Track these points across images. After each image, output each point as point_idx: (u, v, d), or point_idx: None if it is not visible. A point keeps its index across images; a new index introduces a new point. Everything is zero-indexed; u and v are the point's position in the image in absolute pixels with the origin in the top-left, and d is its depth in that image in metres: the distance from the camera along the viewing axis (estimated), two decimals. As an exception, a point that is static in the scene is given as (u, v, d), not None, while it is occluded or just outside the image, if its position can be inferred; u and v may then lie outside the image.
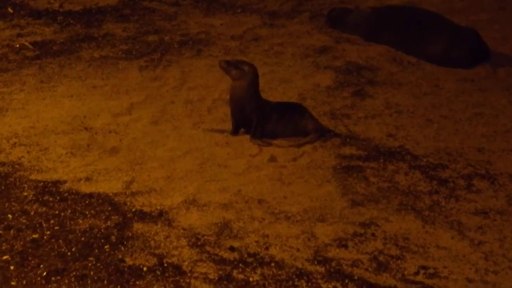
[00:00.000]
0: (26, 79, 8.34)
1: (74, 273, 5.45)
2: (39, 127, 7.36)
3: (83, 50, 9.16)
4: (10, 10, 10.27)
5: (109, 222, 6.02)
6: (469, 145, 7.34)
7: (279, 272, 5.54)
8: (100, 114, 7.64)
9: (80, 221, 6.02)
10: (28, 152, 6.95)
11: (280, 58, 9.04)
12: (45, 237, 5.81)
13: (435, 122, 7.75)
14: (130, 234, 5.88)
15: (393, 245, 5.89)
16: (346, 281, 5.49)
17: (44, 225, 5.96)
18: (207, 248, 5.76)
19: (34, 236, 5.83)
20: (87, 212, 6.13)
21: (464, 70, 8.87)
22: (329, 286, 5.44)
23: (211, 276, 5.47)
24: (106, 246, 5.73)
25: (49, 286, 5.35)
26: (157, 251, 5.70)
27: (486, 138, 7.47)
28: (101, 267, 5.52)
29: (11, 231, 5.87)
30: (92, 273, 5.46)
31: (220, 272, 5.51)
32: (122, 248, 5.72)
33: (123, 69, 8.66)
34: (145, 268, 5.52)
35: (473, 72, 8.85)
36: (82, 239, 5.81)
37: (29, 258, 5.59)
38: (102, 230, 5.91)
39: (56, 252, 5.66)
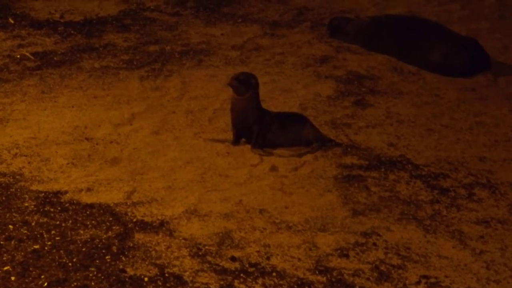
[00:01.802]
0: (27, 90, 8.35)
1: (75, 283, 5.44)
2: (40, 138, 7.36)
3: (84, 60, 9.16)
4: (11, 21, 10.29)
5: (110, 232, 6.01)
6: (470, 154, 7.34)
7: (281, 282, 5.54)
8: (101, 124, 7.64)
9: (81, 232, 6.02)
10: (29, 162, 6.96)
11: (281, 68, 9.05)
12: (46, 248, 5.81)
13: (436, 131, 7.75)
14: (131, 244, 5.87)
15: (394, 255, 5.88)
16: (348, 291, 5.50)
17: (45, 235, 5.96)
18: (208, 258, 5.76)
19: (35, 246, 5.82)
20: (88, 223, 6.13)
21: (464, 79, 8.87)
22: (331, 296, 5.45)
23: (212, 286, 5.46)
24: (107, 257, 5.73)
25: (50, 296, 5.36)
26: (158, 261, 5.70)
27: (487, 147, 7.47)
28: (102, 277, 5.51)
29: (12, 242, 5.87)
30: (93, 283, 5.45)
31: (222, 282, 5.51)
32: (123, 258, 5.72)
33: (124, 79, 8.67)
34: (146, 279, 5.51)
35: (474, 81, 8.85)
36: (83, 249, 5.80)
37: (30, 269, 5.58)
38: (103, 241, 5.91)
39: (57, 262, 5.65)
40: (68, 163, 6.96)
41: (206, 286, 5.47)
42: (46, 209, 6.29)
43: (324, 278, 5.59)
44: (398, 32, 9.41)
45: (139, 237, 5.96)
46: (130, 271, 5.58)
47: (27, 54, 9.25)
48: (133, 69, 8.93)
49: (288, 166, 7.01)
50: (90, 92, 8.33)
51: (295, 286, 5.50)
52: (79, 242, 5.88)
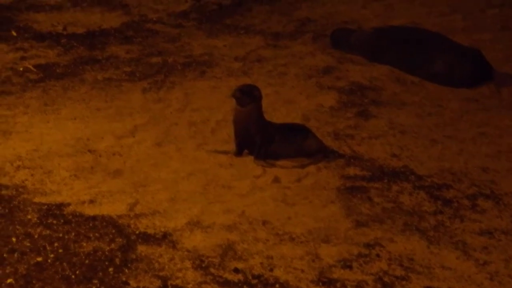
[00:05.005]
0: (30, 102, 8.36)
1: (78, 296, 5.45)
2: (43, 150, 7.36)
3: (86, 72, 9.17)
4: (14, 33, 10.30)
5: (113, 244, 6.00)
6: (473, 165, 7.33)
7: (284, 294, 5.53)
8: (103, 136, 7.64)
9: (84, 244, 6.01)
10: (32, 175, 6.95)
11: (283, 79, 9.05)
12: (49, 260, 5.80)
13: (439, 142, 7.75)
14: (134, 257, 5.86)
15: (398, 266, 5.87)
16: (351, 302, 5.49)
17: (48, 248, 5.95)
18: (211, 270, 5.74)
19: (38, 259, 5.81)
20: (91, 235, 6.12)
21: (467, 90, 8.88)
22: (334, 307, 5.44)
23: (215, 298, 5.46)
24: (110, 269, 5.72)
25: (53, 309, 5.35)
26: (161, 273, 5.69)
27: (490, 158, 7.47)
28: (105, 289, 5.51)
29: (15, 254, 5.86)
30: (96, 296, 5.46)
31: (225, 294, 5.50)
32: (126, 270, 5.71)
33: (126, 91, 8.67)
34: (149, 291, 5.51)
35: (477, 92, 8.86)
36: (86, 261, 5.80)
37: (33, 282, 5.57)
38: (106, 253, 5.90)
39: (60, 275, 5.64)
40: (70, 175, 6.96)
41: (209, 298, 5.46)
42: (49, 221, 6.28)
43: (328, 290, 5.59)
44: (401, 43, 9.42)
45: (142, 249, 5.95)
46: (133, 283, 5.57)
47: (30, 66, 9.26)
48: (135, 81, 8.94)
49: (291, 177, 7.01)
50: (92, 104, 8.34)
51: (299, 298, 5.50)
52: (82, 255, 5.87)
